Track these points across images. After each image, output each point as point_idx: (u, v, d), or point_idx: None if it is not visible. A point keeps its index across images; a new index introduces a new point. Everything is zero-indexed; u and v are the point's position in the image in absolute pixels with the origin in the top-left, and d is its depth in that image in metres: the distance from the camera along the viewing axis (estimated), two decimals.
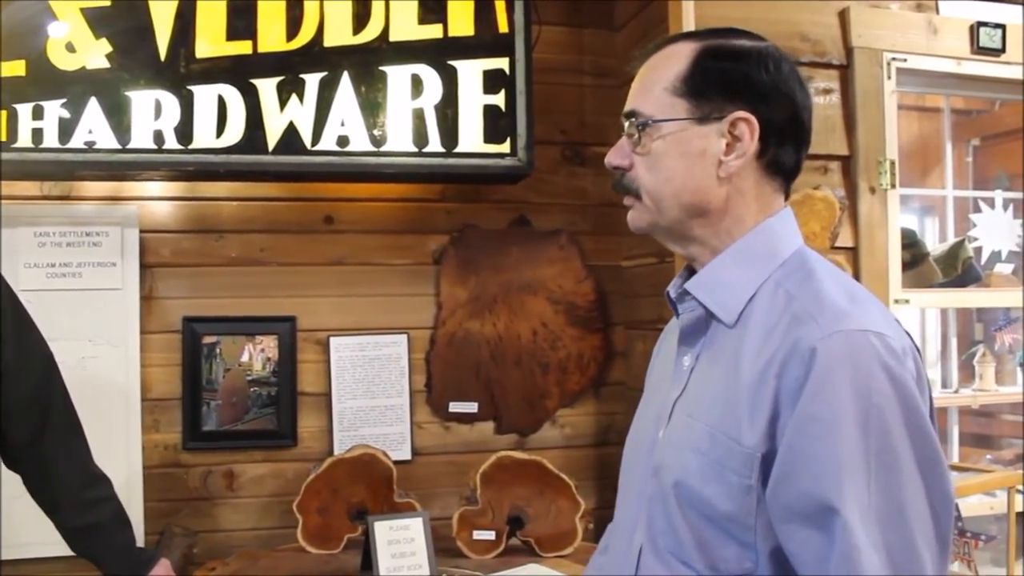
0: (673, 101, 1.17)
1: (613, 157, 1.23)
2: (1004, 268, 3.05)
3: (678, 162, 1.17)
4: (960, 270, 2.92)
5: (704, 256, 1.20)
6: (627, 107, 1.22)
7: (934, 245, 3.13)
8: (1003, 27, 2.85)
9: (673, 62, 1.19)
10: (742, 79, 1.16)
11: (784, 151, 1.18)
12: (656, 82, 1.19)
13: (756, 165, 1.17)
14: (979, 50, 2.83)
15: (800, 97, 1.19)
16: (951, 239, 3.12)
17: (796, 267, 1.16)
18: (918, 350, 1.11)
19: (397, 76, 2.60)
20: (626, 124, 1.21)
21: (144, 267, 2.66)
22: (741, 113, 1.15)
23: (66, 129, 2.40)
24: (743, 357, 1.10)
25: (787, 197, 1.23)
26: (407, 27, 2.61)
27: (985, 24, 2.83)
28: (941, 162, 3.29)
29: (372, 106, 2.58)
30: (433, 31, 2.63)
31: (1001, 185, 3.33)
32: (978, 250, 3.04)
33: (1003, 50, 2.85)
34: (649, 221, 1.22)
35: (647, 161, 1.19)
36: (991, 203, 3.10)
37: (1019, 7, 2.93)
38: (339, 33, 2.57)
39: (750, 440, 1.05)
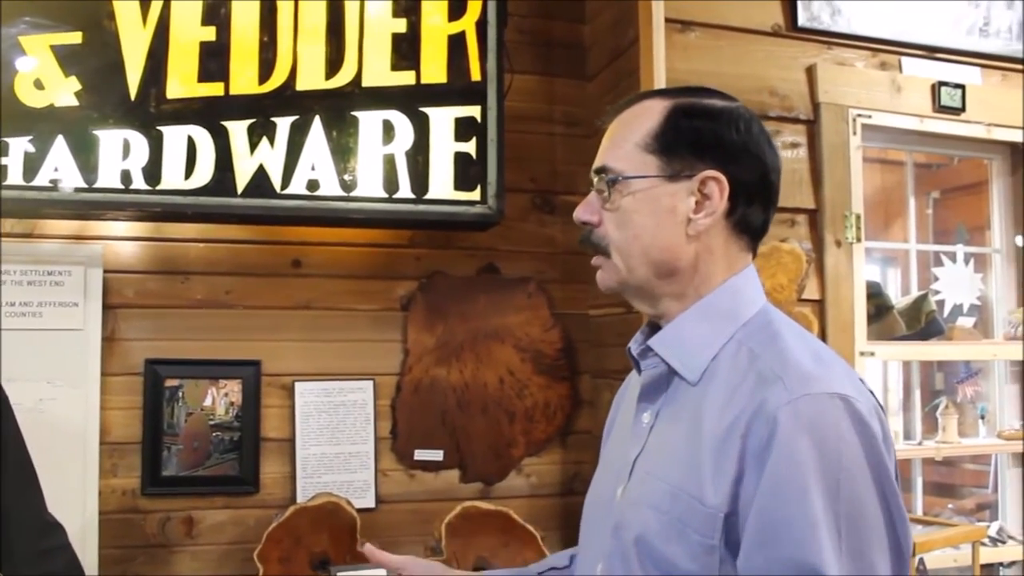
0: (644, 158, 1.17)
1: (582, 212, 1.22)
2: (966, 321, 3.10)
3: (647, 219, 1.17)
4: (923, 323, 2.95)
5: (673, 313, 1.20)
6: (597, 163, 1.21)
7: (896, 297, 3.17)
8: (963, 87, 2.93)
9: (645, 118, 1.19)
10: (713, 138, 1.16)
11: (752, 211, 1.19)
12: (627, 138, 1.19)
13: (725, 224, 1.17)
14: (940, 109, 2.90)
15: (769, 158, 1.20)
16: (914, 291, 3.16)
17: (760, 326, 1.16)
18: (883, 408, 1.11)
19: (369, 121, 2.60)
20: (595, 179, 1.21)
21: (107, 308, 2.61)
22: (711, 172, 1.15)
23: (31, 166, 2.37)
24: (705, 416, 1.09)
25: (755, 255, 1.23)
26: (380, 73, 2.62)
27: (946, 84, 2.91)
28: (903, 214, 3.34)
29: (343, 151, 2.58)
30: (406, 78, 2.64)
31: (961, 238, 3.40)
32: (940, 303, 3.08)
33: (963, 109, 2.93)
34: (619, 280, 1.21)
35: (616, 218, 1.19)
36: (952, 256, 3.16)
37: (977, 69, 3.01)
38: (312, 77, 2.57)
39: (712, 500, 1.04)
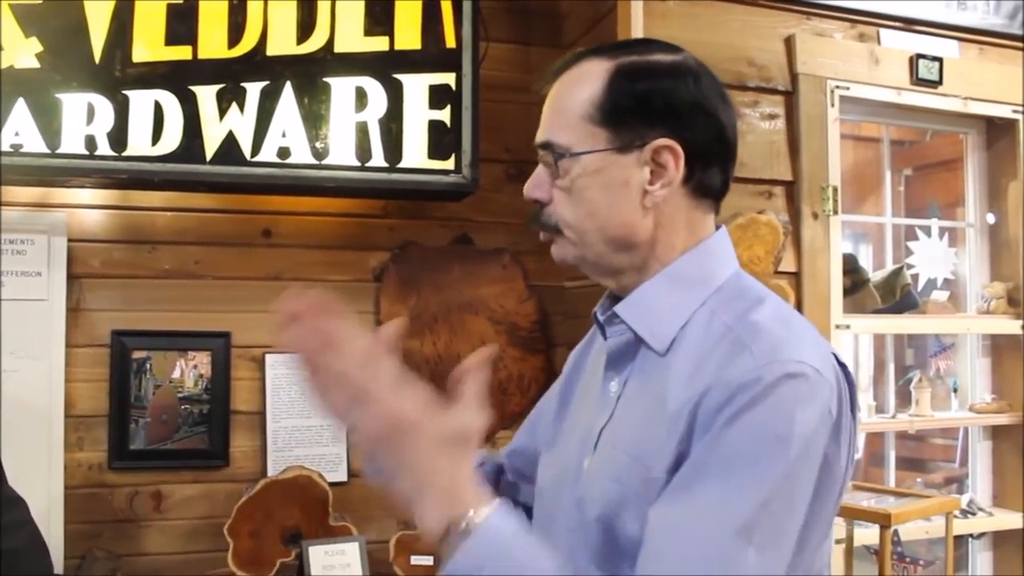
0: (590, 130, 1.10)
1: (532, 190, 1.16)
2: (940, 295, 3.10)
3: (600, 195, 1.10)
4: (898, 296, 2.95)
5: (635, 285, 1.15)
6: (541, 136, 1.15)
7: (870, 271, 3.17)
8: (940, 60, 2.91)
9: (586, 84, 1.12)
10: (661, 101, 1.10)
11: (710, 173, 1.13)
12: (570, 108, 1.12)
13: (683, 191, 1.12)
14: (918, 81, 2.89)
15: (723, 114, 1.13)
16: (888, 265, 3.16)
17: (733, 295, 1.11)
18: (849, 380, 1.08)
19: (341, 88, 2.55)
20: (541, 153, 1.15)
21: (72, 278, 2.54)
22: (663, 141, 1.09)
23: None
24: (670, 387, 1.05)
25: (717, 214, 1.18)
26: (353, 38, 2.56)
27: (924, 56, 2.89)
28: (876, 190, 3.35)
29: (315, 118, 2.52)
30: (379, 43, 2.59)
31: (933, 214, 3.40)
32: (915, 277, 3.08)
33: (940, 82, 2.91)
34: (575, 255, 1.15)
35: (567, 196, 1.12)
36: (927, 231, 3.16)
37: (955, 42, 3.00)
38: (283, 42, 2.51)
39: (659, 468, 1.01)
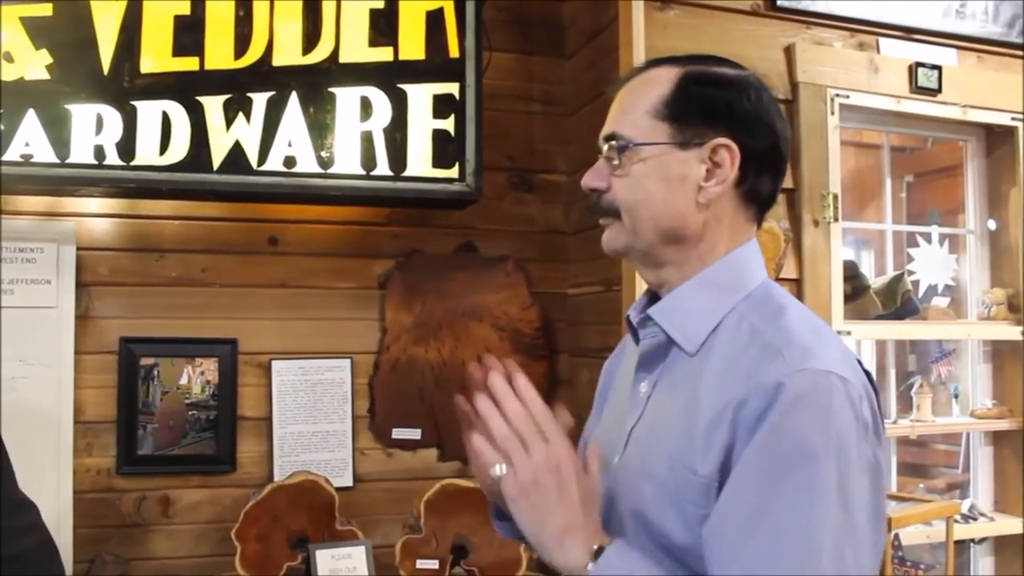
0: (654, 124, 1.17)
1: (590, 179, 1.22)
2: (940, 301, 3.12)
3: (658, 185, 1.16)
4: (899, 303, 2.97)
5: (674, 281, 1.20)
6: (606, 130, 1.21)
7: (871, 277, 3.18)
8: (939, 68, 2.94)
9: (655, 86, 1.19)
10: (724, 106, 1.16)
11: (762, 180, 1.19)
12: (637, 105, 1.19)
13: (734, 193, 1.18)
14: (917, 89, 2.91)
15: (779, 127, 1.20)
16: (889, 272, 3.18)
17: (762, 300, 1.16)
18: (875, 388, 1.12)
19: (346, 98, 2.58)
20: (605, 147, 1.20)
21: (80, 285, 2.57)
22: (722, 140, 1.15)
23: (2, 141, 2.32)
24: (704, 388, 1.09)
25: (760, 226, 1.24)
26: (358, 49, 2.59)
27: (923, 65, 2.92)
28: (877, 197, 3.36)
29: (320, 127, 2.55)
30: (384, 54, 2.62)
31: (934, 220, 3.42)
32: (916, 283, 3.10)
33: (939, 90, 2.94)
34: (625, 243, 1.21)
35: (627, 183, 1.18)
36: (927, 237, 3.18)
37: (953, 50, 3.02)
38: (288, 52, 2.54)
39: (704, 470, 1.05)
